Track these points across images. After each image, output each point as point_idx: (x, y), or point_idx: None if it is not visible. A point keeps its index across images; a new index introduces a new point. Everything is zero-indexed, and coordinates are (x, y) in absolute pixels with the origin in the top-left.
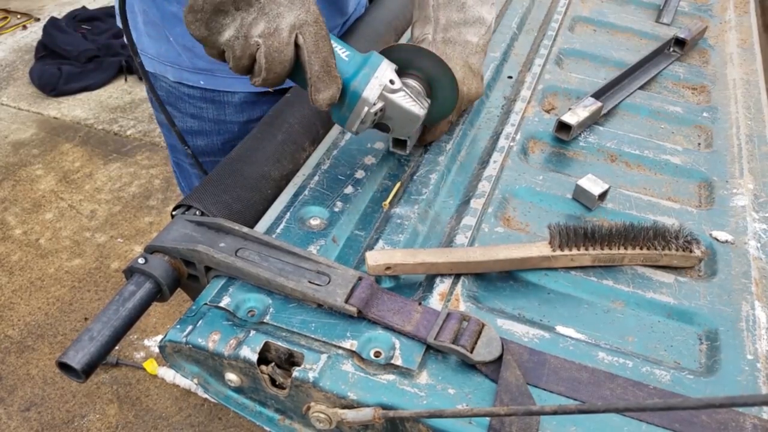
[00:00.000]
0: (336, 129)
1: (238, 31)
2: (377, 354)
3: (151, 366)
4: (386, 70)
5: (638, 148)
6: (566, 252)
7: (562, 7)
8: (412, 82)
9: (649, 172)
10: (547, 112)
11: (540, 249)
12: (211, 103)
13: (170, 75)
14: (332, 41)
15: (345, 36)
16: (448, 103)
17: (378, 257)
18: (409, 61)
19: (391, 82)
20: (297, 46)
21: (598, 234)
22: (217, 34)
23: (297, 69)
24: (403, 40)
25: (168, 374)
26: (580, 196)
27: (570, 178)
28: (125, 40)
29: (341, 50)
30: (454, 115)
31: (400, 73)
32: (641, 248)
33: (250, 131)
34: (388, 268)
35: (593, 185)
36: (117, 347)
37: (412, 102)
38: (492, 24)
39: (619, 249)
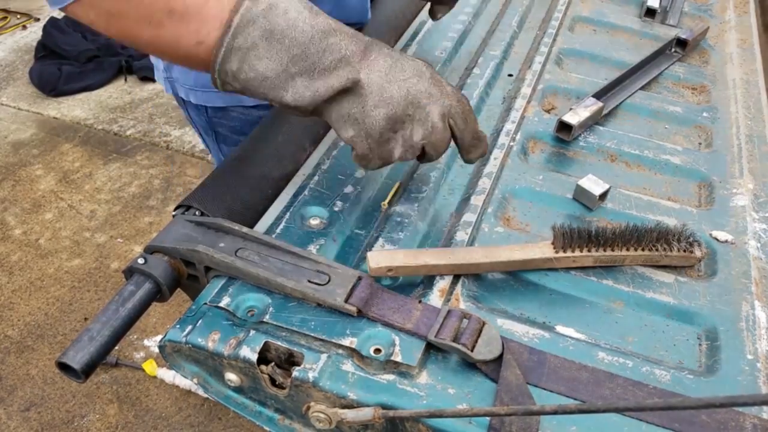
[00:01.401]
0: None
1: (405, 145)
2: (377, 351)
3: (150, 367)
4: None
5: (638, 148)
6: (569, 253)
7: (562, 5)
8: None
9: (649, 172)
10: (547, 111)
11: (543, 250)
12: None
13: (220, 102)
14: None
15: None
16: None
17: (379, 259)
18: None
19: None
20: (450, 128)
21: (601, 235)
22: (389, 158)
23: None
24: (404, 40)
25: (167, 375)
26: (581, 196)
27: (570, 178)
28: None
29: None
30: None
31: None
32: (644, 250)
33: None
34: (389, 270)
35: (594, 185)
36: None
37: None
38: None
39: (621, 250)
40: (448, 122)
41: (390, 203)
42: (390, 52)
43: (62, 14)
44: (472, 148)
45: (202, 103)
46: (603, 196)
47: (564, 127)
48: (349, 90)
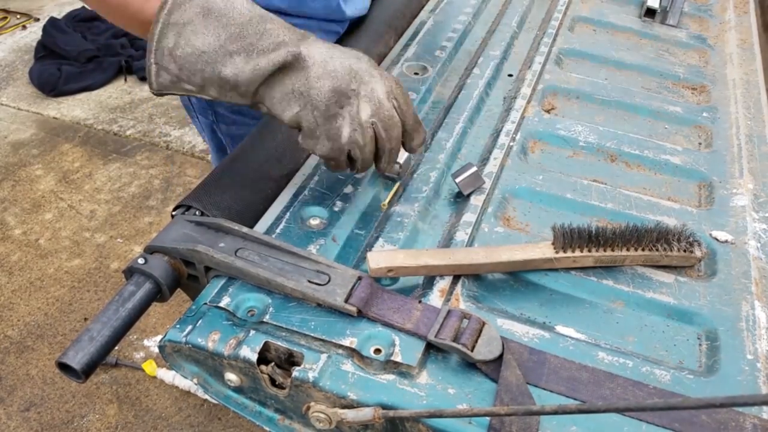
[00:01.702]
0: None
1: (353, 123)
2: (377, 351)
3: (150, 367)
4: None
5: (638, 148)
6: (569, 254)
7: (561, 6)
8: None
9: (649, 172)
10: (547, 112)
11: (543, 251)
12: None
13: None
14: None
15: (345, 36)
16: None
17: (380, 259)
18: None
19: None
20: (394, 107)
21: (601, 236)
22: (338, 139)
23: None
24: (404, 40)
25: (167, 376)
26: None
27: (570, 178)
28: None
29: None
30: None
31: None
32: (644, 250)
33: None
34: (390, 270)
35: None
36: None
37: None
38: None
39: (621, 250)
40: (392, 102)
41: (390, 203)
42: (325, 41)
43: (62, 14)
44: (415, 132)
45: None
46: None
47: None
48: (291, 65)
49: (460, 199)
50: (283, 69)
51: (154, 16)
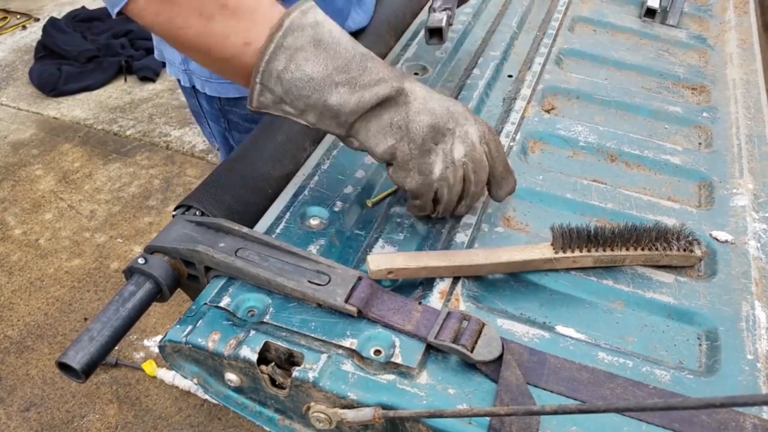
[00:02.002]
0: None
1: (445, 161)
2: (377, 352)
3: (150, 367)
4: None
5: (638, 148)
6: (569, 254)
7: (561, 6)
8: None
9: (649, 172)
10: (547, 112)
11: (543, 251)
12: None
13: (234, 93)
14: None
15: None
16: None
17: (380, 261)
18: None
19: None
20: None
21: (600, 235)
22: (429, 174)
23: None
24: (404, 40)
25: (167, 376)
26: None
27: (570, 178)
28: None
29: None
30: None
31: None
32: (643, 249)
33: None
34: (390, 272)
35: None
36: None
37: None
38: None
39: (621, 250)
40: (484, 146)
41: (376, 203)
42: (422, 83)
43: (62, 14)
44: (503, 181)
45: (215, 95)
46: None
47: (435, 32)
48: (392, 99)
49: None
50: (384, 103)
51: (264, 41)
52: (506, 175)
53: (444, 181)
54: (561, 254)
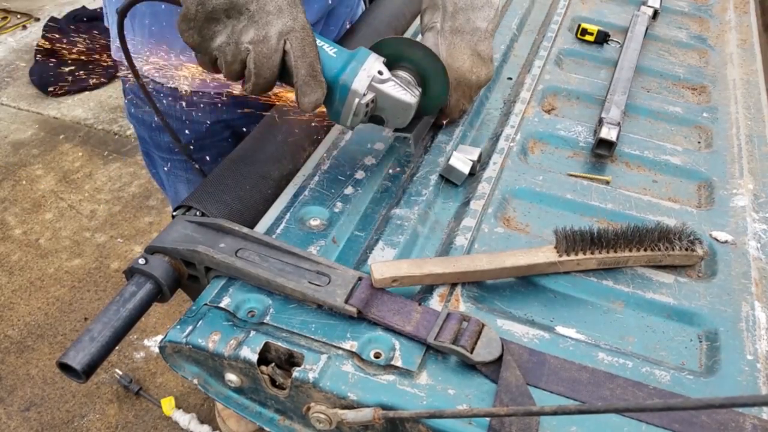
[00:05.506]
0: (336, 129)
1: (229, 37)
2: (377, 355)
3: (168, 405)
4: (374, 62)
5: (638, 148)
6: (573, 257)
7: (561, 8)
8: (401, 72)
9: (649, 172)
10: (547, 112)
11: (546, 255)
12: (180, 101)
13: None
14: (319, 40)
15: (346, 36)
16: (439, 92)
17: (384, 270)
18: (399, 54)
19: (380, 72)
20: (285, 52)
21: (603, 237)
22: (209, 41)
23: (285, 74)
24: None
25: (183, 419)
26: (450, 173)
27: (570, 178)
28: (118, 45)
29: (329, 48)
30: (466, 103)
31: (390, 65)
32: (646, 250)
33: (217, 132)
34: (394, 280)
35: (463, 164)
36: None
37: (402, 90)
38: (499, 5)
39: (624, 251)
40: (283, 44)
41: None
42: None
43: (62, 14)
44: (306, 87)
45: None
46: (473, 168)
47: (603, 143)
48: None
49: (460, 202)
50: None
51: None
52: (310, 82)
53: (221, 54)
54: (565, 257)
